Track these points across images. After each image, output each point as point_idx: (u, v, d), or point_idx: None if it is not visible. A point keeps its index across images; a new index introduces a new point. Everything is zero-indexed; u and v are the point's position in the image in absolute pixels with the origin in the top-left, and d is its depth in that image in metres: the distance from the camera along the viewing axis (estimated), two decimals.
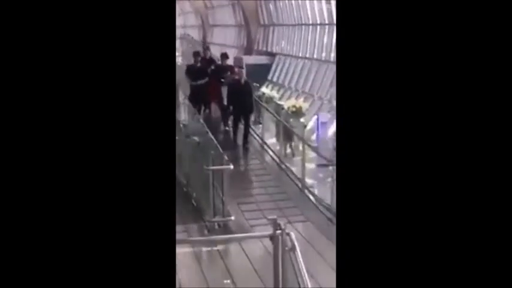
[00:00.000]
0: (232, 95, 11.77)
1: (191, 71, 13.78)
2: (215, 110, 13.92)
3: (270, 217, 4.48)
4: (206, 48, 15.44)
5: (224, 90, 12.57)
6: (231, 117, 12.36)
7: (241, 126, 12.00)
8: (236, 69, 12.61)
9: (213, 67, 13.62)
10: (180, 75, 15.19)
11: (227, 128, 12.89)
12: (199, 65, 13.87)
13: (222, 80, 12.81)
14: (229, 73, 12.95)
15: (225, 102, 12.36)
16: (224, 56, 14.01)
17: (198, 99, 13.21)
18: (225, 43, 27.32)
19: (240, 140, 11.98)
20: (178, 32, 31.45)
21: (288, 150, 11.67)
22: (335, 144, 9.22)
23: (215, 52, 18.09)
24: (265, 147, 12.02)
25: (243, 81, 11.94)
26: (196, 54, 14.54)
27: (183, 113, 12.43)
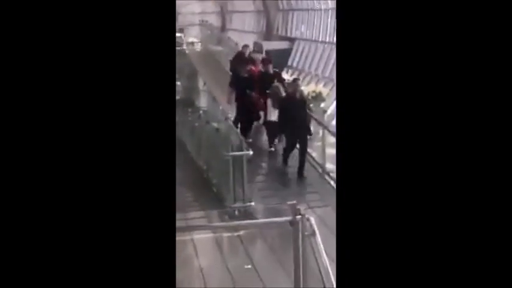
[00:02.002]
0: (285, 113, 9.27)
1: (237, 81, 10.94)
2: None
3: (289, 202, 4.45)
4: (245, 46, 12.16)
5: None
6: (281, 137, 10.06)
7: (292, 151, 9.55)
8: (290, 81, 9.98)
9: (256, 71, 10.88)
10: (199, 64, 15.17)
11: (272, 149, 10.38)
12: (246, 75, 10.91)
13: (267, 91, 10.26)
14: (275, 83, 10.27)
15: (270, 117, 10.14)
16: (267, 61, 11.10)
17: (246, 118, 10.69)
18: (244, 29, 27.27)
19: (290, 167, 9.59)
20: (197, 18, 31.50)
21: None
22: None
23: (234, 38, 17.95)
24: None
25: (298, 95, 9.47)
26: (242, 57, 11.46)
27: (203, 99, 12.42)
